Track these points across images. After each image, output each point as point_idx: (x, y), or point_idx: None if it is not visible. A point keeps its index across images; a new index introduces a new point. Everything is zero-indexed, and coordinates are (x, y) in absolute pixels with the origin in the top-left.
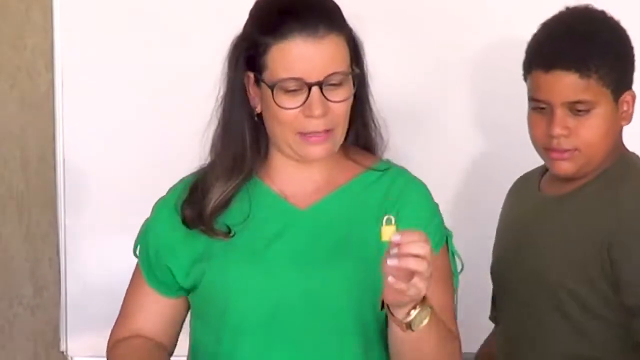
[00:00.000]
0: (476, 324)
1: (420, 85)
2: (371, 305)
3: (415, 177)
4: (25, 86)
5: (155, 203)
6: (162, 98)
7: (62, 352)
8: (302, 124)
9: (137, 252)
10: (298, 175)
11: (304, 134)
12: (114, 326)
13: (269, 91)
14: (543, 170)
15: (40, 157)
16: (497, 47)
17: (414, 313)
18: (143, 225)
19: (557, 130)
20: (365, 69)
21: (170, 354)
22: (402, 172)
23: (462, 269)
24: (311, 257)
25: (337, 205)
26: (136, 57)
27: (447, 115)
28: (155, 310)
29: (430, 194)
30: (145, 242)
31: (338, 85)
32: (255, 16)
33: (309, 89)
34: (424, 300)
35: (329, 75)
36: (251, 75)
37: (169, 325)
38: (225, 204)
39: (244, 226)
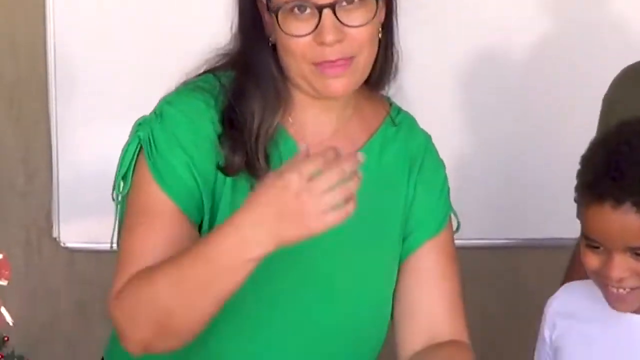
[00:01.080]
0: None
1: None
2: (384, 285)
3: (424, 132)
4: None
5: (167, 109)
6: None
7: (55, 239)
8: (316, 53)
9: (149, 167)
10: (318, 121)
11: (319, 64)
12: (117, 275)
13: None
14: None
15: (30, 46)
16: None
17: None
18: (157, 138)
19: None
20: None
21: None
22: (413, 125)
23: (458, 228)
24: (331, 238)
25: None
26: None
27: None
28: (181, 240)
29: (438, 154)
30: (171, 153)
31: (355, 5)
32: None
33: (320, 12)
34: None
35: None
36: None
37: None
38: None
39: None
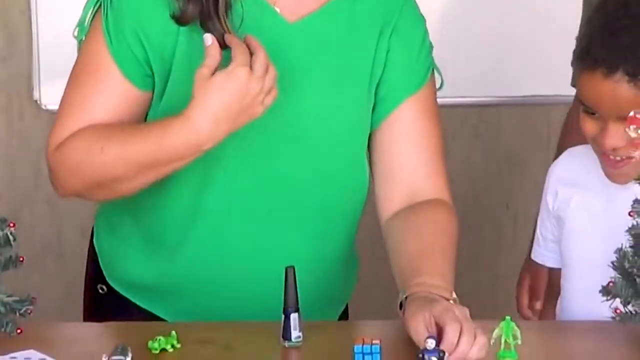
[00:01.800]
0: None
1: None
2: (354, 135)
3: None
4: None
5: None
6: None
7: (36, 101)
8: None
9: (103, 24)
10: None
11: None
12: (57, 126)
13: None
14: None
15: None
16: None
17: None
18: None
19: None
20: None
21: None
22: None
23: (441, 85)
24: (298, 84)
25: (327, 22)
26: None
27: None
28: (121, 101)
29: (419, 10)
30: (119, 10)
31: None
32: None
33: None
34: None
35: None
36: None
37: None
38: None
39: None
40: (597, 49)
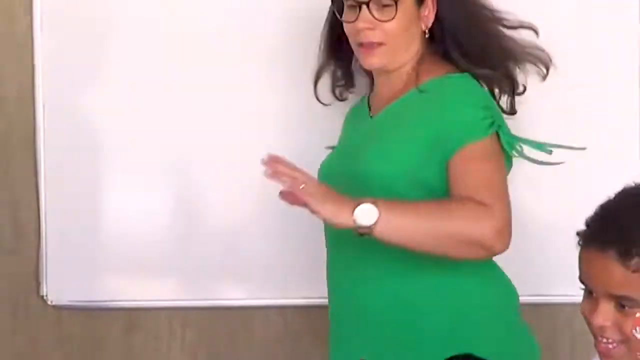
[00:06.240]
0: None
1: None
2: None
3: (456, 81)
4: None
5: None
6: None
7: (42, 297)
8: (356, 37)
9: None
10: (377, 84)
11: (359, 44)
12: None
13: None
14: None
15: (20, 99)
16: None
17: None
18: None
19: None
20: None
21: None
22: (443, 80)
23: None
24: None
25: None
26: None
27: None
28: None
29: (463, 91)
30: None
31: (389, 5)
32: None
33: (359, 6)
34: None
35: None
36: None
37: None
38: None
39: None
40: (595, 224)
